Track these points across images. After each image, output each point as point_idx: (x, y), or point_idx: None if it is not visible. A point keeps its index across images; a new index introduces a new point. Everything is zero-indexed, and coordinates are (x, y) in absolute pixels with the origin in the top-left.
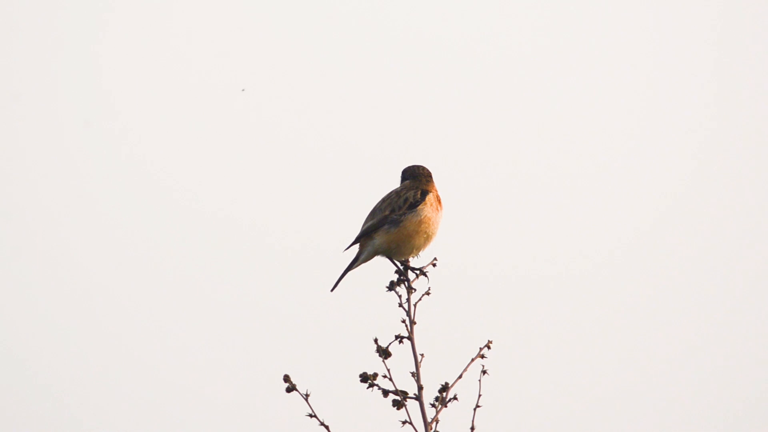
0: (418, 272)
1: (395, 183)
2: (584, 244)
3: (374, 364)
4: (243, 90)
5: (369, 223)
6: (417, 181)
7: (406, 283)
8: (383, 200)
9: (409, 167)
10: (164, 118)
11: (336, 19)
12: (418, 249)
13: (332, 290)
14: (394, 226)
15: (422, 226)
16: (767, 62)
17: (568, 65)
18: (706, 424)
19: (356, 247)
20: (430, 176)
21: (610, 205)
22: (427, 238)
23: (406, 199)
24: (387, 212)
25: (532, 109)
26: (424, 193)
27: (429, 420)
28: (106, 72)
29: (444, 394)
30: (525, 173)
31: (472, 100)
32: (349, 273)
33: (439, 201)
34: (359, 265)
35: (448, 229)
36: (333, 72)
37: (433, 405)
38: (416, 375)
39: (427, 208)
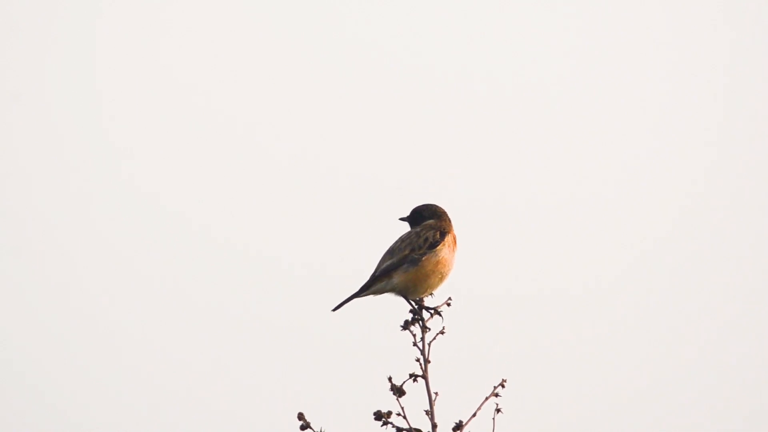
0: (432, 311)
1: (402, 208)
2: (595, 273)
3: (388, 402)
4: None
5: (388, 262)
6: (439, 221)
7: (420, 322)
8: (402, 239)
9: (424, 206)
10: (158, 136)
11: (345, 43)
12: (432, 288)
13: (334, 310)
14: (413, 265)
15: (438, 266)
16: None
17: (577, 84)
18: None
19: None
20: (447, 216)
21: (620, 227)
22: (441, 278)
23: (426, 239)
24: (407, 252)
25: (539, 133)
26: (443, 234)
27: None
28: (104, 77)
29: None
30: (532, 203)
31: (477, 125)
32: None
33: (455, 241)
34: (367, 294)
35: (463, 265)
36: (341, 94)
37: None
38: (430, 413)
39: (445, 249)
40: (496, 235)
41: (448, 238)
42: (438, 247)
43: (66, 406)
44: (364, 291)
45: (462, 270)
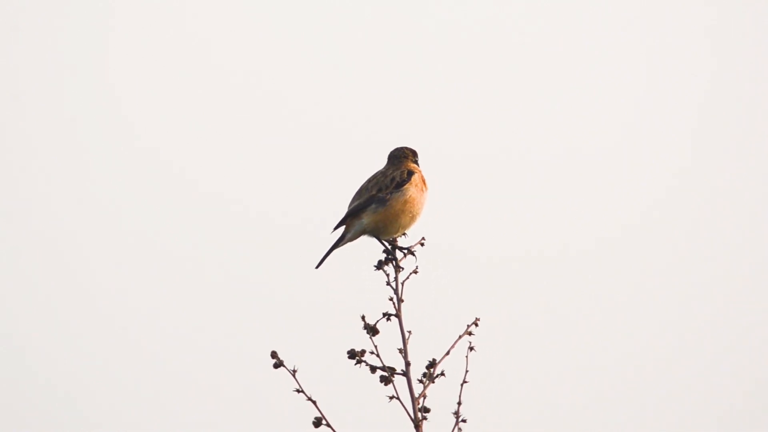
0: (405, 251)
1: (382, 163)
2: (572, 225)
3: (362, 341)
4: None
5: (356, 203)
6: (403, 161)
7: (393, 262)
8: (369, 180)
9: (395, 149)
10: (154, 97)
11: (341, 8)
12: (404, 228)
13: (317, 267)
14: (381, 205)
15: (407, 205)
16: (763, 53)
17: (564, 52)
18: (700, 413)
19: (343, 226)
20: (416, 156)
21: (598, 186)
22: (413, 218)
23: (393, 179)
24: (374, 192)
25: (523, 91)
26: (410, 173)
27: (416, 395)
28: (110, 66)
29: (431, 370)
30: (514, 155)
31: (464, 85)
32: (336, 252)
33: (424, 181)
34: (345, 243)
35: (437, 209)
36: (326, 56)
37: (420, 381)
38: (404, 351)
39: (412, 188)
40: (475, 187)
41: (416, 178)
42: (405, 186)
43: (68, 390)
44: (341, 241)
45: (438, 214)
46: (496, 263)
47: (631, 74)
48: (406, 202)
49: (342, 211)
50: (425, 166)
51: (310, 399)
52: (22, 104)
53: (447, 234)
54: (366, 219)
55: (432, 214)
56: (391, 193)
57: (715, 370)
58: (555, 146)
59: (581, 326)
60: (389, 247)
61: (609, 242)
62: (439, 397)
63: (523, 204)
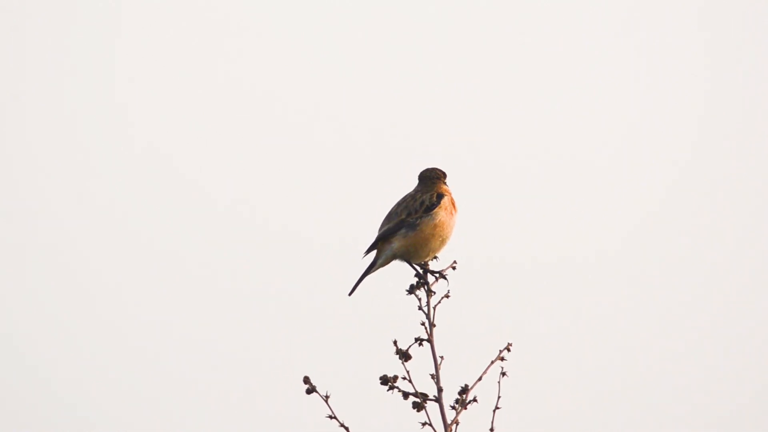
0: (437, 275)
1: (412, 183)
2: (603, 242)
3: (394, 366)
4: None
5: (386, 228)
6: (433, 183)
7: (425, 286)
8: (399, 204)
9: (425, 170)
10: (164, 103)
11: (349, 14)
12: (435, 252)
13: (350, 294)
14: (411, 230)
15: (437, 229)
16: (761, 55)
17: (565, 57)
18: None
19: (374, 251)
20: (445, 178)
21: (622, 198)
22: (443, 241)
23: (422, 203)
24: (403, 216)
25: (527, 97)
26: (440, 197)
27: (449, 422)
28: (116, 70)
29: (464, 396)
30: (540, 170)
31: (481, 100)
32: (368, 277)
33: (453, 204)
34: (377, 269)
35: (467, 230)
36: (352, 73)
37: (453, 407)
38: (436, 377)
39: (442, 212)
40: (504, 201)
41: (445, 201)
42: (434, 210)
43: (74, 394)
44: (373, 267)
45: (468, 234)
46: (529, 284)
47: (635, 77)
48: (435, 226)
49: (372, 233)
50: (456, 185)
51: (342, 425)
52: (24, 105)
53: (477, 253)
54: (396, 244)
55: (463, 235)
56: (421, 217)
57: (725, 372)
58: (561, 152)
59: (614, 347)
60: (421, 271)
61: (629, 249)
62: (471, 423)
63: (550, 217)
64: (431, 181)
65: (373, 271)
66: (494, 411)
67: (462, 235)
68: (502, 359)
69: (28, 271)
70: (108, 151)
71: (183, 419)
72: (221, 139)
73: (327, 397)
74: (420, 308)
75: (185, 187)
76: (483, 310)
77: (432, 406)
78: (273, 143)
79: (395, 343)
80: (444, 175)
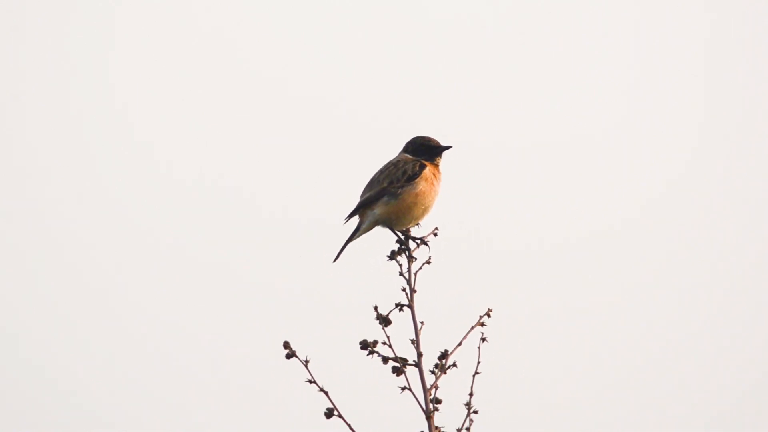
0: (419, 241)
1: (395, 152)
2: (584, 214)
3: (374, 331)
4: None
5: (367, 195)
6: (417, 152)
7: (406, 252)
8: (381, 171)
9: (414, 138)
10: (157, 94)
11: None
12: (417, 219)
13: (334, 261)
14: (393, 198)
15: (419, 198)
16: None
17: (565, 44)
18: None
19: (356, 217)
20: (435, 146)
21: (611, 176)
22: (425, 210)
23: (404, 172)
24: (385, 184)
25: (535, 81)
26: (422, 166)
27: (428, 386)
28: (113, 66)
29: (443, 361)
30: (527, 144)
31: (474, 75)
32: (351, 243)
33: (435, 175)
34: (360, 235)
35: (450, 199)
36: (331, 46)
37: (432, 372)
38: (416, 342)
39: (423, 182)
40: (489, 176)
41: (427, 171)
42: (416, 180)
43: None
44: (356, 233)
45: (452, 204)
46: (509, 253)
47: (636, 62)
48: (417, 195)
49: (353, 201)
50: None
51: (322, 390)
52: (24, 104)
53: (460, 224)
54: (378, 210)
55: (446, 204)
56: (403, 186)
57: (726, 364)
58: (561, 135)
59: (593, 317)
60: (402, 237)
61: (619, 231)
62: (451, 388)
63: (534, 193)
64: (416, 150)
65: (357, 237)
66: (474, 376)
67: (448, 204)
68: (482, 325)
69: (30, 269)
70: (106, 144)
71: (160, 382)
72: (209, 123)
73: (307, 361)
74: (401, 274)
75: (177, 172)
76: (464, 277)
77: (412, 371)
78: (264, 127)
79: (376, 308)
80: (427, 143)
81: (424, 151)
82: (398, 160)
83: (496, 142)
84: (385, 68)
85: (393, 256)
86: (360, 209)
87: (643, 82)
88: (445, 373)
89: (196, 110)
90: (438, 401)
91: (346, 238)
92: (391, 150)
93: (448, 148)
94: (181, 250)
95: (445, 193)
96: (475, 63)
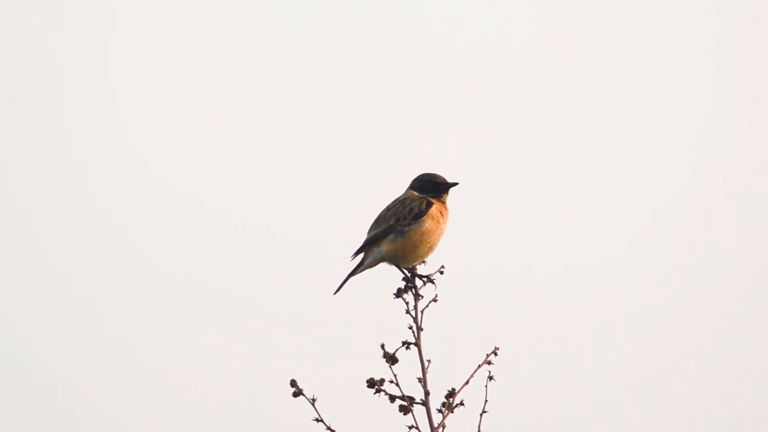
0: (425, 279)
1: (402, 185)
2: (591, 247)
3: (381, 369)
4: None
5: (374, 232)
6: (424, 189)
7: (413, 290)
8: (388, 209)
9: (420, 175)
10: (167, 118)
11: (345, 17)
12: (422, 257)
13: (335, 293)
14: (400, 236)
15: (425, 236)
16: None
17: (569, 67)
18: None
19: (361, 254)
20: (440, 186)
21: (615, 206)
22: (430, 248)
23: (411, 210)
24: (392, 222)
25: (537, 113)
26: (429, 204)
27: (436, 425)
28: (110, 70)
29: (451, 399)
30: (530, 177)
31: (479, 105)
32: (355, 278)
33: (442, 213)
34: (363, 270)
35: (456, 236)
36: (343, 73)
37: (439, 410)
38: (423, 381)
39: (429, 220)
40: (494, 209)
41: (434, 209)
42: (423, 218)
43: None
44: (359, 267)
45: (460, 239)
46: (516, 289)
47: (638, 83)
48: (423, 233)
49: (361, 236)
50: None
51: (329, 428)
52: (22, 106)
53: (465, 258)
54: (384, 248)
55: (452, 240)
56: (409, 224)
57: (728, 376)
58: (561, 161)
59: (602, 349)
60: (409, 275)
61: (621, 259)
62: (458, 427)
63: (538, 224)
64: (423, 188)
65: (360, 271)
66: (481, 415)
67: (454, 240)
68: (489, 363)
69: (25, 271)
70: (102, 149)
71: (169, 421)
72: (212, 140)
73: (314, 400)
74: (407, 312)
75: (176, 189)
76: (471, 315)
77: (419, 410)
78: (263, 145)
79: (382, 346)
80: (434, 180)
81: (431, 188)
82: (405, 198)
83: (497, 173)
84: (386, 94)
85: (399, 294)
86: (366, 246)
87: (642, 108)
88: (452, 412)
89: (198, 124)
90: None
91: (350, 272)
92: (390, 176)
93: (454, 185)
94: (182, 276)
95: (450, 228)
96: (476, 92)
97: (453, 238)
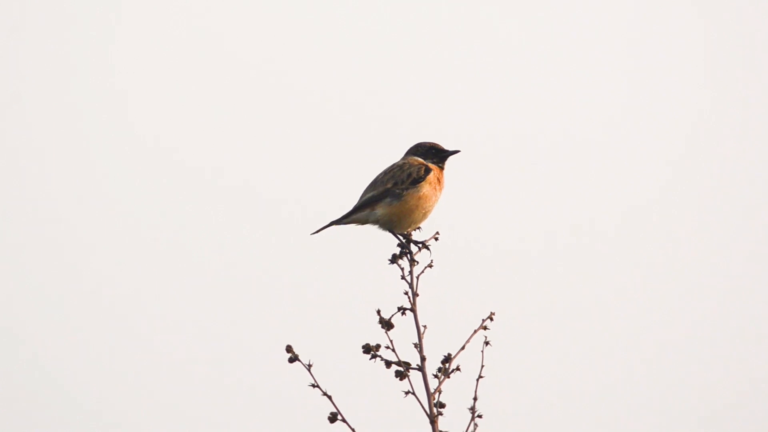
0: (420, 245)
1: (397, 151)
2: (586, 216)
3: (377, 335)
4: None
5: (370, 194)
6: (427, 156)
7: (408, 255)
8: (385, 172)
9: (421, 142)
10: (157, 84)
11: None
12: (416, 223)
13: (313, 234)
14: (396, 199)
15: (421, 201)
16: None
17: (565, 36)
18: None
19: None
20: (434, 153)
21: (613, 177)
22: (425, 214)
23: (409, 174)
24: (390, 185)
25: (538, 82)
26: (428, 170)
27: (432, 390)
28: (114, 58)
29: (447, 365)
30: (528, 146)
31: (477, 73)
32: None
33: (439, 180)
34: (349, 222)
35: (452, 202)
36: (341, 39)
37: (435, 376)
38: (419, 346)
39: (426, 186)
40: (490, 179)
41: (432, 176)
42: (420, 183)
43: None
44: (344, 218)
45: (454, 207)
46: (510, 254)
47: (633, 53)
48: (419, 198)
49: (355, 199)
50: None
51: (325, 394)
52: (25, 99)
53: (461, 227)
54: (380, 211)
55: (447, 207)
56: (407, 188)
57: (723, 364)
58: (559, 135)
59: (596, 317)
60: (404, 240)
61: (617, 230)
62: (454, 392)
63: (535, 194)
64: (424, 155)
65: (345, 222)
66: (477, 380)
67: (451, 207)
68: (485, 328)
69: (30, 265)
70: (104, 138)
71: (155, 386)
72: (214, 117)
73: (310, 365)
74: (403, 277)
75: (181, 171)
76: (466, 281)
77: (415, 375)
78: (260, 114)
79: (378, 312)
80: (433, 149)
81: (434, 154)
82: (403, 163)
83: (494, 143)
84: (383, 63)
85: (395, 259)
86: (361, 208)
87: (638, 82)
88: (448, 377)
89: (197, 104)
90: (442, 405)
91: (334, 219)
92: (387, 144)
93: (456, 152)
94: (181, 248)
95: (446, 196)
96: (474, 65)
97: (448, 205)
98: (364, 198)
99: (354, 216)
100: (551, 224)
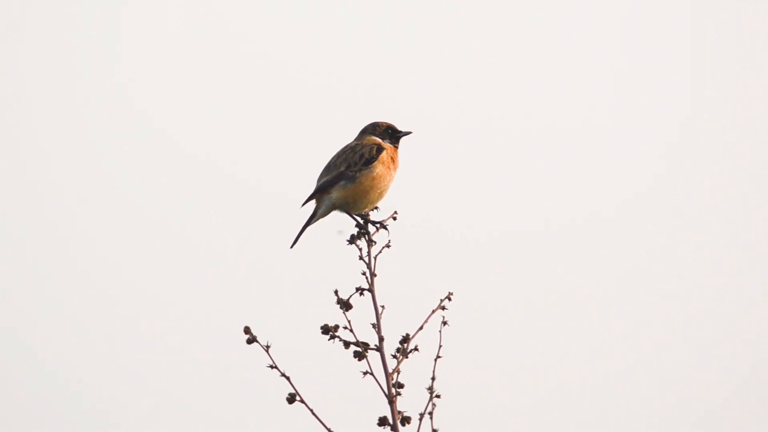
0: (378, 225)
1: (355, 134)
2: (547, 199)
3: (335, 316)
4: None
5: (325, 179)
6: (384, 135)
7: (366, 236)
8: (338, 155)
9: (375, 122)
10: (160, 75)
11: None
12: (372, 204)
13: (292, 246)
14: (350, 182)
15: (375, 182)
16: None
17: (558, 18)
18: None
19: (313, 202)
20: (392, 131)
21: (579, 160)
22: (380, 194)
23: (361, 155)
24: (342, 168)
25: (507, 57)
26: (380, 150)
27: (390, 371)
28: (121, 50)
29: (405, 345)
30: (488, 127)
31: (447, 50)
32: (309, 228)
33: (393, 160)
34: (317, 220)
35: (410, 182)
36: (345, 35)
37: (394, 356)
38: (377, 326)
39: (380, 166)
40: (448, 159)
41: (385, 155)
42: (374, 164)
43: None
44: (314, 218)
45: (411, 187)
46: (469, 237)
47: (623, 52)
48: (374, 179)
49: (311, 184)
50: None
51: (283, 375)
52: (28, 92)
53: (420, 207)
54: (335, 194)
55: (406, 186)
56: (360, 170)
57: (717, 359)
58: (537, 116)
59: (556, 301)
60: (361, 221)
61: (585, 218)
62: (413, 372)
63: (500, 176)
64: (374, 133)
65: (314, 222)
66: (435, 360)
67: (408, 187)
68: (443, 308)
69: (34, 261)
70: (108, 126)
71: (120, 364)
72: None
73: (268, 347)
74: (361, 258)
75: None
76: (424, 261)
77: (373, 356)
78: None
79: (336, 292)
80: (388, 128)
81: (390, 134)
82: (355, 144)
83: (458, 126)
84: (364, 41)
85: (352, 240)
86: (317, 194)
87: (630, 70)
88: (407, 357)
89: (200, 98)
90: (400, 385)
91: (304, 223)
92: (350, 127)
93: (408, 133)
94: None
95: (405, 177)
96: (469, 55)
97: (408, 187)
98: (319, 184)
99: (319, 212)
100: (513, 205)
